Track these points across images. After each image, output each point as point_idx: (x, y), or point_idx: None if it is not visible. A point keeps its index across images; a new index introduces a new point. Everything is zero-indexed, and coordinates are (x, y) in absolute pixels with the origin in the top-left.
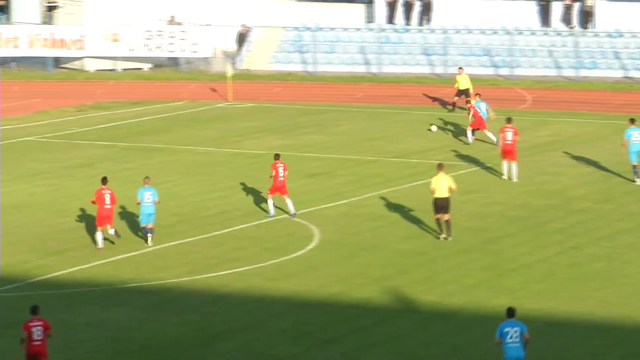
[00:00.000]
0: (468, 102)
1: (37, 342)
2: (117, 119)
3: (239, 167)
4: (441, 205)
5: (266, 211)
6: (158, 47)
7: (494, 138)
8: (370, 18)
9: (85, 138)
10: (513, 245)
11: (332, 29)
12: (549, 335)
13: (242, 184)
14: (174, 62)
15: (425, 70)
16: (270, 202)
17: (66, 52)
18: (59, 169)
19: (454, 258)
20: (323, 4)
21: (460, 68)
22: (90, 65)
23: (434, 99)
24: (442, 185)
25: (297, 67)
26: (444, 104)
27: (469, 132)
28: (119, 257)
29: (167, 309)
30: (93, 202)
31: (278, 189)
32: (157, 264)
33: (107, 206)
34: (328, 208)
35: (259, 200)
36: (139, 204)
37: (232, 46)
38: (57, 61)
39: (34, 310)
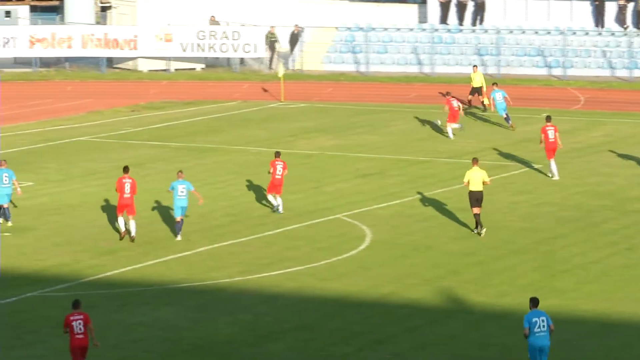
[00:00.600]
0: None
1: (80, 336)
2: (170, 119)
3: (291, 167)
4: (476, 198)
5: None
6: (211, 47)
7: (451, 136)
8: (423, 18)
9: (138, 138)
10: (565, 246)
11: (385, 29)
12: (603, 337)
13: (295, 184)
14: (226, 62)
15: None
16: (269, 197)
17: (119, 52)
18: (112, 169)
19: (506, 259)
20: (376, 4)
21: (474, 66)
22: (143, 66)
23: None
24: (476, 178)
25: (349, 68)
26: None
27: (449, 128)
28: (171, 257)
29: (219, 308)
30: (116, 191)
31: (274, 187)
32: (209, 263)
33: (126, 195)
34: (380, 208)
35: (312, 200)
36: (169, 193)
37: (285, 46)
38: (111, 61)
39: (75, 305)
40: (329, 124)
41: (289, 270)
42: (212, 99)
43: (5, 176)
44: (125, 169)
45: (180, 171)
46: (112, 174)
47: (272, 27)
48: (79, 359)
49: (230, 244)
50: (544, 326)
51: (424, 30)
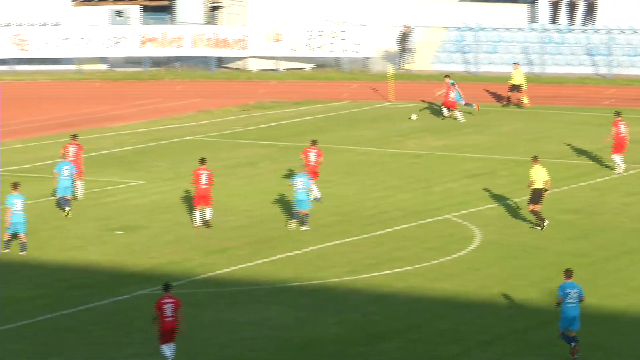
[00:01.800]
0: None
1: (170, 319)
2: (278, 118)
3: (400, 167)
4: (539, 195)
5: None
6: (320, 47)
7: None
8: (533, 18)
9: (247, 137)
10: None
11: (495, 29)
12: None
13: (404, 184)
14: (335, 62)
15: (588, 70)
16: (313, 187)
17: (229, 52)
18: (221, 168)
19: (617, 260)
20: (486, 4)
21: (515, 63)
22: (253, 65)
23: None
24: (540, 176)
25: (458, 67)
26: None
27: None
28: (280, 256)
29: (328, 308)
30: (192, 183)
31: (311, 174)
32: (317, 263)
33: (203, 186)
34: (489, 209)
35: (421, 200)
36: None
37: (394, 46)
38: (220, 61)
39: (167, 288)
40: (438, 124)
41: (398, 270)
42: (321, 99)
43: (66, 168)
44: (202, 161)
45: (304, 166)
46: (222, 172)
47: (407, 26)
48: (167, 341)
49: (338, 243)
50: (575, 297)
51: (534, 30)
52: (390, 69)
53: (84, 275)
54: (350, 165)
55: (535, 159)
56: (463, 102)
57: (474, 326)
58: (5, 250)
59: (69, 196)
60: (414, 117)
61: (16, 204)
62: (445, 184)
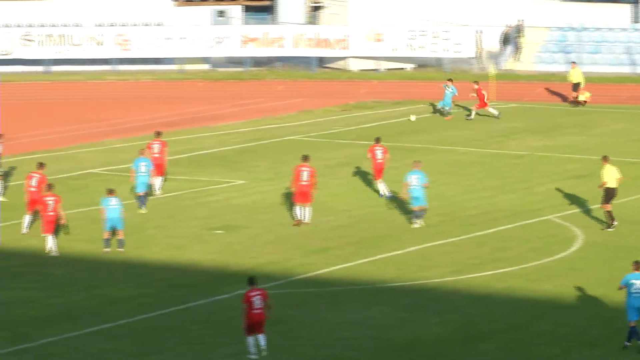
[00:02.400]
0: None
1: (257, 311)
2: (379, 118)
3: (501, 167)
4: (613, 195)
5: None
6: (421, 47)
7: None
8: (636, 18)
9: (348, 137)
10: None
11: (598, 29)
12: None
13: (505, 184)
14: (436, 62)
15: None
16: (380, 185)
17: (330, 52)
18: (322, 168)
19: None
20: (588, 4)
21: (572, 62)
22: (354, 65)
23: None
24: (612, 175)
25: (560, 68)
26: None
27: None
28: (381, 256)
29: (429, 308)
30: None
31: (377, 172)
32: (420, 263)
33: (304, 183)
34: (591, 210)
35: (523, 201)
36: (407, 189)
37: (496, 46)
38: (321, 61)
39: (252, 281)
40: (539, 124)
41: (500, 270)
42: (422, 99)
43: (143, 165)
44: (305, 158)
45: (417, 161)
46: (322, 172)
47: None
48: (256, 333)
49: (441, 243)
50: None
51: (637, 30)
52: (492, 69)
53: (184, 274)
54: (451, 166)
55: (605, 159)
56: (447, 106)
57: (574, 327)
58: (107, 250)
59: (141, 192)
60: (412, 118)
61: (111, 199)
62: (546, 185)
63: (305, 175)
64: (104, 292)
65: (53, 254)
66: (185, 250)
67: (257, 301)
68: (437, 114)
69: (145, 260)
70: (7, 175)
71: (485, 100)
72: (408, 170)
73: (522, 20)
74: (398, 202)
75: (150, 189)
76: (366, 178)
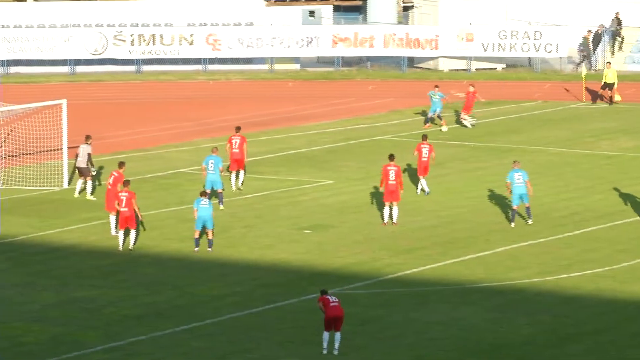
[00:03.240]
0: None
1: (335, 304)
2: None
3: (592, 168)
4: None
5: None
6: (512, 47)
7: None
8: None
9: (437, 137)
10: None
11: None
12: None
13: (596, 185)
14: (528, 62)
15: None
16: (421, 181)
17: (420, 52)
18: (412, 168)
19: None
20: None
21: (608, 62)
22: (444, 65)
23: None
24: None
25: None
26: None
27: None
28: (470, 256)
29: (518, 309)
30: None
31: (421, 169)
32: (508, 264)
33: (391, 182)
34: None
35: (612, 201)
36: (508, 187)
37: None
38: (411, 61)
39: (324, 292)
40: (632, 125)
41: (589, 272)
42: (513, 99)
43: (212, 162)
44: (391, 157)
45: (516, 161)
46: (413, 172)
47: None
48: (331, 329)
49: (529, 244)
50: None
51: None
52: (583, 70)
53: (273, 273)
54: (542, 166)
55: None
56: (431, 114)
57: None
58: (196, 249)
59: (219, 189)
60: (444, 129)
61: (202, 199)
62: (637, 186)
63: (391, 175)
64: (194, 291)
65: (127, 249)
66: (274, 249)
67: (332, 297)
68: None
69: (235, 260)
70: (98, 175)
71: (470, 107)
72: (497, 170)
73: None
74: (486, 203)
75: (219, 186)
76: (455, 178)
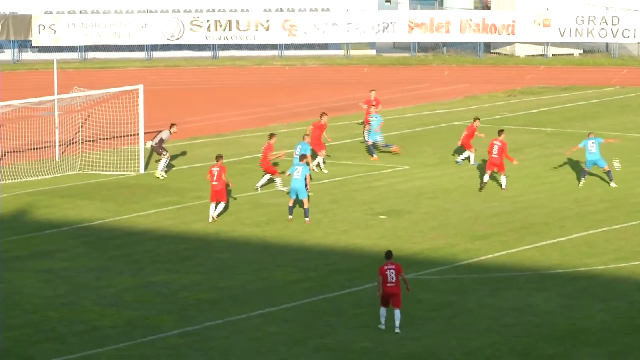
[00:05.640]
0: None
1: (391, 284)
2: (546, 104)
3: None
4: None
5: None
6: (589, 33)
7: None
8: None
9: (514, 123)
10: None
11: None
12: None
13: None
14: (605, 47)
15: None
16: (486, 176)
17: (497, 38)
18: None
19: None
20: None
21: None
22: (521, 51)
23: None
24: None
25: None
26: None
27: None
28: (545, 242)
29: (593, 295)
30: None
31: (494, 165)
32: (584, 250)
33: (495, 155)
34: None
35: None
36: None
37: None
38: (488, 46)
39: (388, 255)
40: None
41: None
42: (590, 85)
43: (298, 148)
44: (500, 132)
45: (590, 133)
46: (487, 157)
47: None
48: (388, 305)
49: (605, 230)
50: None
51: None
52: None
53: (348, 259)
54: (619, 152)
55: None
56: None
57: None
58: (290, 217)
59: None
60: (617, 165)
61: (297, 169)
62: None
63: (495, 150)
64: (269, 276)
65: (212, 220)
66: (349, 234)
67: (390, 274)
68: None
69: (309, 245)
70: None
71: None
72: (574, 156)
73: None
74: (562, 188)
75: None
76: (531, 164)
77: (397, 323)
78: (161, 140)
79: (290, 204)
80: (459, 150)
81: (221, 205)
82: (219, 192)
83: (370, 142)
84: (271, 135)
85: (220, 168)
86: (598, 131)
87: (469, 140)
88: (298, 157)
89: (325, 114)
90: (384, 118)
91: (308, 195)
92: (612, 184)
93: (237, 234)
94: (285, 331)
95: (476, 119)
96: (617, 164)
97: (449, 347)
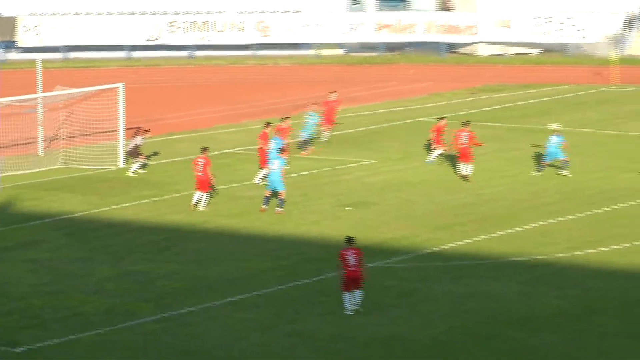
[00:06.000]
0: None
1: (353, 268)
2: (506, 101)
3: (622, 148)
4: None
5: None
6: (546, 33)
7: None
8: None
9: (475, 119)
10: None
11: None
12: None
13: (625, 164)
14: (561, 47)
15: None
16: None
17: (459, 38)
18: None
19: None
20: None
21: None
22: (482, 50)
23: None
24: None
25: None
26: None
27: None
28: (503, 232)
29: (549, 283)
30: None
31: (463, 154)
32: (540, 239)
33: (462, 145)
34: None
35: None
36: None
37: (618, 32)
38: (450, 46)
39: (349, 240)
40: None
41: (616, 247)
42: (547, 82)
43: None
44: (464, 124)
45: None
46: (451, 152)
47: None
48: (351, 289)
49: (559, 221)
50: None
51: None
52: (613, 54)
53: (318, 248)
54: (574, 147)
55: None
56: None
57: None
58: (264, 206)
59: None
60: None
61: (274, 162)
62: None
63: (463, 139)
64: (242, 265)
65: (200, 209)
66: (319, 225)
67: (351, 259)
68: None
69: (281, 235)
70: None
71: (332, 119)
72: (532, 151)
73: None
74: (520, 181)
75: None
76: (491, 157)
77: (359, 301)
78: (136, 146)
79: (267, 194)
80: (429, 149)
81: (204, 196)
82: (203, 182)
83: (303, 138)
84: (285, 119)
85: (205, 160)
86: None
87: (439, 139)
88: (274, 150)
89: (288, 117)
90: (352, 115)
91: (284, 187)
92: (564, 172)
93: (212, 225)
94: (257, 318)
95: (442, 118)
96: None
97: (414, 332)
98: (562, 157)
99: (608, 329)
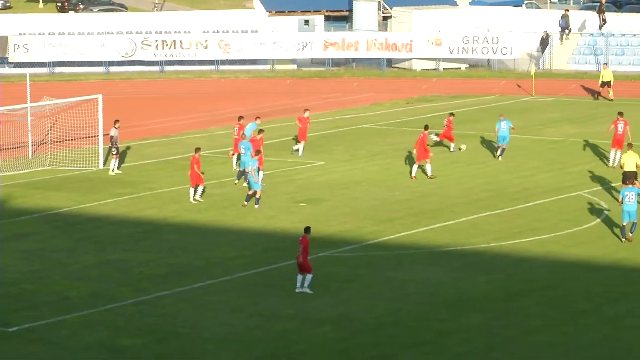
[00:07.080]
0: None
1: (299, 255)
2: (438, 109)
3: (541, 151)
4: (630, 177)
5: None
6: (474, 50)
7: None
8: None
9: (413, 125)
10: None
11: (623, 34)
12: None
13: (543, 165)
14: (487, 62)
15: None
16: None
17: (397, 54)
18: (390, 151)
19: None
20: (614, 14)
21: (604, 64)
22: (417, 65)
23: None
24: (632, 160)
25: (591, 67)
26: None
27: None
28: (438, 225)
29: (477, 269)
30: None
31: (617, 142)
32: (470, 231)
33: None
34: (617, 187)
35: (558, 179)
36: (496, 132)
37: (536, 49)
38: (390, 62)
39: (306, 230)
40: (573, 115)
41: (538, 237)
42: (474, 93)
43: (243, 147)
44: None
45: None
46: (391, 154)
47: (546, 32)
48: (301, 272)
49: (487, 215)
50: (633, 198)
51: None
52: (532, 69)
53: (275, 239)
54: (508, 150)
55: (629, 146)
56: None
57: (603, 286)
58: (245, 203)
59: (242, 169)
60: (463, 147)
61: (249, 164)
62: (579, 166)
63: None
64: (209, 254)
65: (194, 202)
66: (276, 219)
67: (299, 247)
68: None
69: (243, 228)
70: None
71: (305, 134)
72: (461, 153)
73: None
74: (452, 180)
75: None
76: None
77: (307, 283)
78: (112, 137)
79: (250, 193)
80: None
81: (200, 188)
82: (197, 178)
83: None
84: (260, 131)
85: (195, 159)
86: (481, 132)
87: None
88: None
89: (262, 130)
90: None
91: (261, 187)
92: (500, 159)
93: (182, 219)
94: (224, 300)
95: (425, 126)
96: (463, 147)
97: (361, 313)
98: (506, 142)
99: (529, 310)
